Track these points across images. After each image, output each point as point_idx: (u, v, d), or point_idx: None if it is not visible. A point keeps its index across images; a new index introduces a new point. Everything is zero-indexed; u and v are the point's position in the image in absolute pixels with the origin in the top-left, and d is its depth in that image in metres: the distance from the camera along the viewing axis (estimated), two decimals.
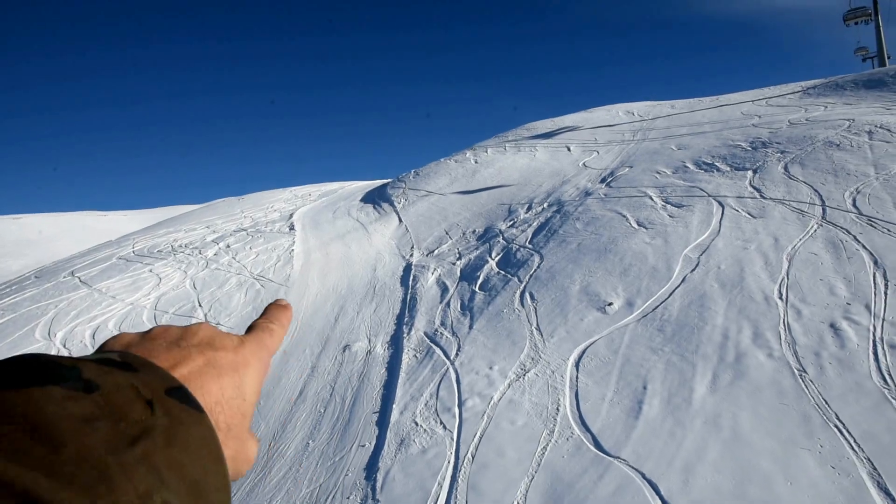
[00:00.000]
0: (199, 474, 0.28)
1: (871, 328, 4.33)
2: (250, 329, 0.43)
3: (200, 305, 8.02)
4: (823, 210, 6.38)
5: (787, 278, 5.20)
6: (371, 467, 4.24)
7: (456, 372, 5.15)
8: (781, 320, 4.66)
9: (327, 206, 13.35)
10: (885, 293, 4.69)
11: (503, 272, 7.03)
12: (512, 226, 8.59)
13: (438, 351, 5.62)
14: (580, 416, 4.19)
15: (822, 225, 6.04)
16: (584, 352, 4.96)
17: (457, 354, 5.45)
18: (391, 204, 11.92)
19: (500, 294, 6.45)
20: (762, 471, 3.35)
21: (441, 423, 4.49)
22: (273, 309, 0.47)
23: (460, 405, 4.64)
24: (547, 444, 3.97)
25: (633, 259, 6.30)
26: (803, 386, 3.92)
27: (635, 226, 7.16)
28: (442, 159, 14.34)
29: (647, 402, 4.14)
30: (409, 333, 6.15)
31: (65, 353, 6.66)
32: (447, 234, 9.18)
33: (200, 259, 9.88)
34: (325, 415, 5.16)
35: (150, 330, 0.38)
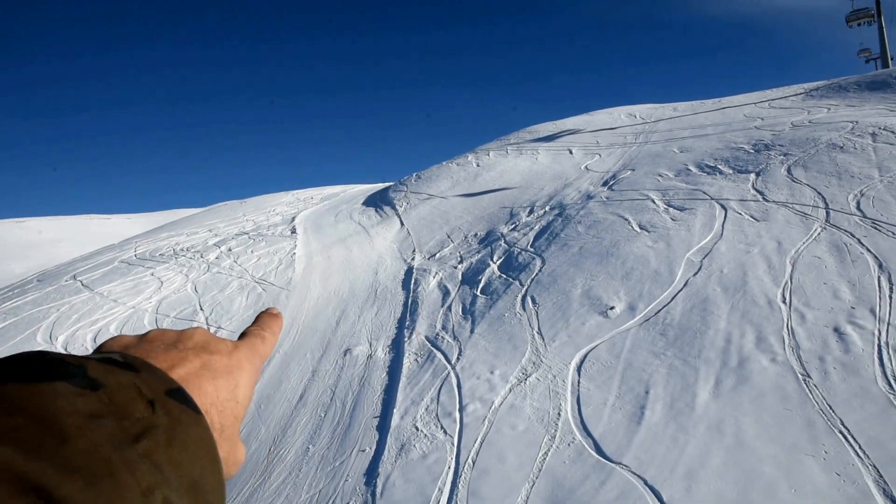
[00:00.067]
0: (198, 474, 0.29)
1: (876, 332, 4.29)
2: (243, 336, 0.45)
3: (202, 309, 8.01)
4: (827, 213, 6.34)
5: (791, 282, 5.16)
6: (371, 472, 4.21)
7: (457, 376, 5.12)
8: (785, 325, 4.62)
9: (329, 210, 13.35)
10: (890, 297, 4.65)
11: (505, 276, 7.00)
12: (513, 229, 8.56)
13: (439, 355, 5.59)
14: (582, 422, 4.15)
15: (825, 228, 6.00)
16: (585, 356, 4.92)
17: (458, 359, 5.42)
18: (393, 207, 11.91)
19: (502, 298, 6.42)
20: (766, 477, 3.31)
21: (442, 427, 4.47)
22: (265, 317, 0.48)
23: (461, 410, 4.62)
24: (548, 450, 3.94)
25: (636, 263, 6.27)
26: (807, 391, 3.88)
27: (637, 229, 7.13)
28: (444, 162, 14.34)
29: (650, 407, 4.11)
30: (410, 337, 6.13)
31: None
32: (449, 237, 9.16)
33: (202, 262, 9.88)
34: (326, 419, 5.14)
35: (148, 333, 0.38)
